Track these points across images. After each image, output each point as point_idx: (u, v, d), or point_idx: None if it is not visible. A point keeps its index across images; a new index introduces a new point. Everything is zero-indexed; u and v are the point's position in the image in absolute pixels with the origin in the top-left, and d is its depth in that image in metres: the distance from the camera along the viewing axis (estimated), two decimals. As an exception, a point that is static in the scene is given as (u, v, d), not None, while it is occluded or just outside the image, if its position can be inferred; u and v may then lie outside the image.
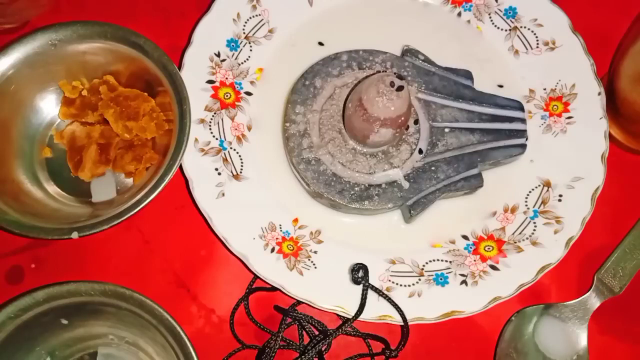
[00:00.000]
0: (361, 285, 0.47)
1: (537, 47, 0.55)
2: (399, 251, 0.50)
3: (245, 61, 0.54)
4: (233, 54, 0.53)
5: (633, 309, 0.51)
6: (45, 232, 0.45)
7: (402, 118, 0.46)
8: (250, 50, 0.54)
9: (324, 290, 0.48)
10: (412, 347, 0.49)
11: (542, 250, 0.49)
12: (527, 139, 0.51)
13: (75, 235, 0.45)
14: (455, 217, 0.51)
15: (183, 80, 0.48)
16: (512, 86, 0.54)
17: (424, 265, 0.49)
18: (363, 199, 0.48)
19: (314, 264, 0.49)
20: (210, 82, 0.52)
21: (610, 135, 0.53)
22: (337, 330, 0.47)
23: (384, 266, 0.49)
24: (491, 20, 0.56)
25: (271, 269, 0.48)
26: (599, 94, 0.53)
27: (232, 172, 0.50)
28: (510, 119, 0.51)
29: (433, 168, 0.50)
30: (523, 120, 0.52)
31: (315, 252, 0.49)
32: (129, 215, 0.45)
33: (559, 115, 0.53)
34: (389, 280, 0.48)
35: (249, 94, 0.53)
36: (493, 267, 0.49)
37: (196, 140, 0.50)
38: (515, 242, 0.50)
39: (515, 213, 0.51)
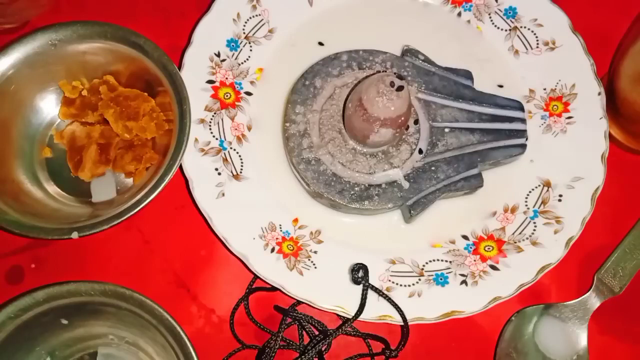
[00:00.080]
0: (361, 285, 0.47)
1: (537, 47, 0.55)
2: (399, 251, 0.50)
3: (245, 61, 0.54)
4: (233, 54, 0.53)
5: (633, 309, 0.51)
6: (45, 232, 0.45)
7: (402, 118, 0.46)
8: (250, 50, 0.54)
9: (324, 290, 0.48)
10: (412, 347, 0.49)
11: (542, 250, 0.49)
12: (527, 139, 0.51)
13: (75, 235, 0.45)
14: (455, 217, 0.51)
15: (183, 80, 0.48)
16: (512, 86, 0.54)
17: (424, 265, 0.49)
18: (363, 199, 0.48)
19: (314, 264, 0.49)
20: (210, 82, 0.52)
21: (610, 135, 0.53)
22: (337, 330, 0.47)
23: (384, 266, 0.49)
24: (491, 20, 0.56)
25: (271, 269, 0.48)
26: (599, 94, 0.53)
27: (232, 172, 0.50)
28: (510, 119, 0.51)
29: (433, 168, 0.50)
30: (523, 120, 0.52)
31: (315, 252, 0.49)
32: (129, 215, 0.45)
33: (559, 115, 0.53)
34: (389, 280, 0.48)
35: (249, 94, 0.53)
36: (493, 267, 0.49)
37: (196, 140, 0.50)
38: (515, 242, 0.50)
39: (515, 213, 0.51)
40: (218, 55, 0.53)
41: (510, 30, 0.55)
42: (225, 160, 0.51)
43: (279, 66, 0.54)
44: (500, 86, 0.54)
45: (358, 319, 0.47)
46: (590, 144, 0.52)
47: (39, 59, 0.49)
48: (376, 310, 0.47)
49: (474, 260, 0.49)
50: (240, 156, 0.51)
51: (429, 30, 0.56)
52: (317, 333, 0.48)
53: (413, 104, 0.50)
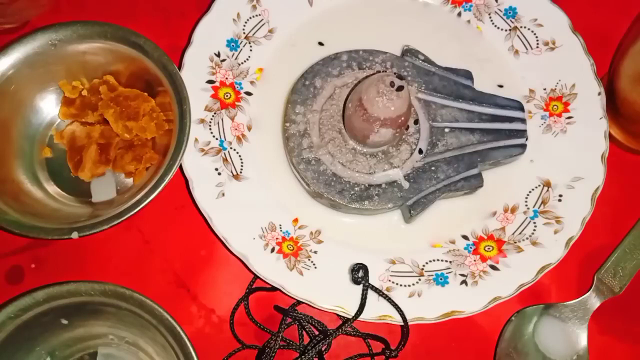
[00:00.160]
0: (361, 285, 0.47)
1: (537, 47, 0.55)
2: (399, 251, 0.50)
3: (245, 61, 0.54)
4: (233, 54, 0.53)
5: (633, 309, 0.51)
6: (45, 232, 0.45)
7: (402, 118, 0.46)
8: (250, 50, 0.54)
9: (324, 290, 0.48)
10: (412, 347, 0.49)
11: (542, 250, 0.49)
12: (527, 139, 0.51)
13: (75, 235, 0.45)
14: (455, 217, 0.51)
15: (183, 80, 0.48)
16: (512, 86, 0.54)
17: (424, 265, 0.49)
18: (363, 199, 0.48)
19: (314, 264, 0.49)
20: (210, 82, 0.52)
21: (610, 135, 0.53)
22: (337, 330, 0.47)
23: (384, 266, 0.49)
24: (491, 20, 0.56)
25: (271, 269, 0.48)
26: (599, 94, 0.53)
27: (232, 172, 0.50)
28: (510, 119, 0.51)
29: (433, 168, 0.50)
30: (523, 120, 0.52)
31: (315, 252, 0.49)
32: (129, 215, 0.45)
33: (559, 115, 0.53)
34: (389, 280, 0.48)
35: (249, 94, 0.53)
36: (493, 267, 0.49)
37: (196, 140, 0.50)
38: (515, 242, 0.50)
39: (515, 213, 0.51)
40: (218, 55, 0.53)
41: (510, 30, 0.55)
42: (225, 160, 0.51)
43: (279, 66, 0.54)
44: (500, 86, 0.54)
45: (358, 319, 0.47)
46: (590, 144, 0.52)
47: (39, 59, 0.49)
48: (376, 310, 0.47)
49: (474, 260, 0.49)
50: (240, 156, 0.51)
51: (429, 30, 0.56)
52: (317, 333, 0.48)
53: (413, 104, 0.50)
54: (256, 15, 0.54)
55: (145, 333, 0.45)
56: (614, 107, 0.53)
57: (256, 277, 0.48)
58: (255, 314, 0.49)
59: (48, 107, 0.52)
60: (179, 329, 0.42)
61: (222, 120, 0.52)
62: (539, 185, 0.52)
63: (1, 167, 0.48)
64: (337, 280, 0.48)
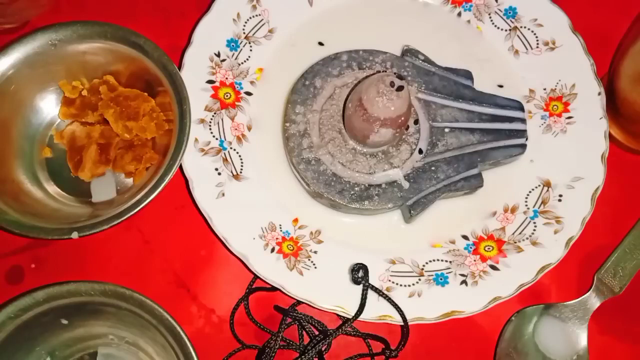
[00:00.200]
0: (361, 285, 0.47)
1: (537, 47, 0.55)
2: (399, 251, 0.50)
3: (245, 61, 0.54)
4: (233, 54, 0.53)
5: (633, 309, 0.51)
6: (45, 232, 0.45)
7: (402, 118, 0.46)
8: (250, 50, 0.54)
9: (324, 290, 0.48)
10: (412, 347, 0.49)
11: (542, 250, 0.49)
12: (527, 139, 0.51)
13: (75, 235, 0.45)
14: (455, 217, 0.51)
15: (183, 80, 0.48)
16: (512, 86, 0.54)
17: (424, 265, 0.49)
18: (363, 199, 0.48)
19: (314, 264, 0.49)
20: (210, 82, 0.52)
21: (610, 135, 0.53)
22: (337, 330, 0.47)
23: (384, 266, 0.49)
24: (491, 20, 0.56)
25: (271, 269, 0.48)
26: (599, 94, 0.53)
27: (232, 172, 0.50)
28: (510, 119, 0.51)
29: (433, 168, 0.50)
30: (523, 120, 0.52)
31: (315, 252, 0.49)
32: (129, 215, 0.45)
33: (559, 115, 0.53)
34: (389, 280, 0.48)
35: (249, 94, 0.53)
36: (493, 267, 0.49)
37: (196, 140, 0.50)
38: (515, 242, 0.50)
39: (515, 213, 0.51)
40: (218, 55, 0.53)
41: (510, 30, 0.55)
42: (225, 160, 0.51)
43: (279, 66, 0.54)
44: (500, 86, 0.54)
45: (358, 319, 0.47)
46: (590, 144, 0.52)
47: (39, 59, 0.49)
48: (376, 310, 0.47)
49: (474, 260, 0.49)
50: (240, 156, 0.51)
51: (429, 30, 0.56)
52: (317, 333, 0.48)
53: (413, 104, 0.50)
54: (256, 15, 0.54)
55: (145, 333, 0.45)
56: (614, 107, 0.53)
57: (256, 277, 0.48)
58: (255, 314, 0.49)
59: (48, 107, 0.52)
60: (179, 329, 0.42)
61: (222, 120, 0.52)
62: (539, 185, 0.52)
63: (1, 167, 0.48)
64: (337, 280, 0.48)
